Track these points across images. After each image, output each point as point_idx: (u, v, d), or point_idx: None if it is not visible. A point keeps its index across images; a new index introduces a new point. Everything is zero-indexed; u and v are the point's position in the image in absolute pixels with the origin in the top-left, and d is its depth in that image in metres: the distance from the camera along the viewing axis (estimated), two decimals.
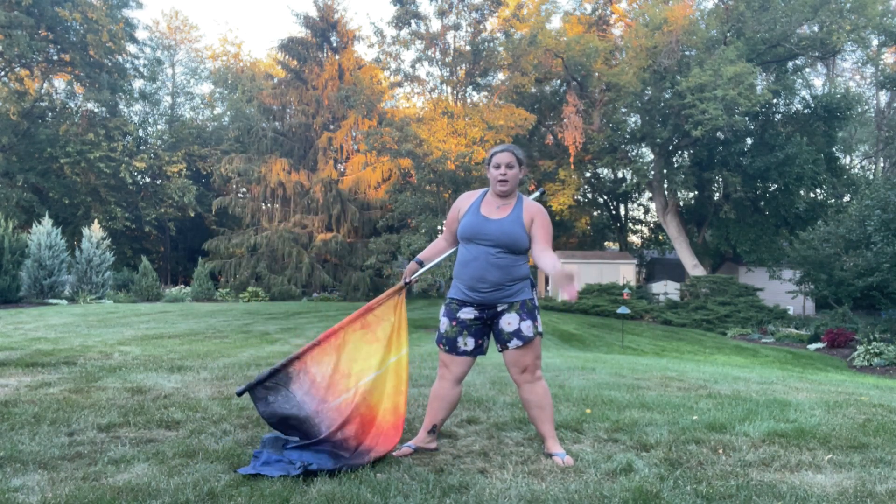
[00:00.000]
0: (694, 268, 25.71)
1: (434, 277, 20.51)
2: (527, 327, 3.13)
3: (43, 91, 29.86)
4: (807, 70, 28.31)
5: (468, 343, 3.21)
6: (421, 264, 3.38)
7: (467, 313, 3.20)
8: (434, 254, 3.42)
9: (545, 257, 3.08)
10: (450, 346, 3.23)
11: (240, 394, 3.16)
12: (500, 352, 3.26)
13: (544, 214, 3.23)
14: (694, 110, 21.39)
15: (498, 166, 3.21)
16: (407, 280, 3.35)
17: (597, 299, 23.69)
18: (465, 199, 3.36)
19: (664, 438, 3.48)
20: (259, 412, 3.13)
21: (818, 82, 31.86)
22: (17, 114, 27.86)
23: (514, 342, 3.14)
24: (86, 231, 20.93)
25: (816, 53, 25.06)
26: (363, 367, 3.24)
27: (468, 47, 24.64)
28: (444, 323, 3.26)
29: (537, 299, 3.28)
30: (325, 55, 30.92)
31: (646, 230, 38.29)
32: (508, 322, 3.13)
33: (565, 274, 2.83)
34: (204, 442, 3.24)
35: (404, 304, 3.38)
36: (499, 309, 3.16)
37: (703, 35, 23.88)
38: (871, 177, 29.09)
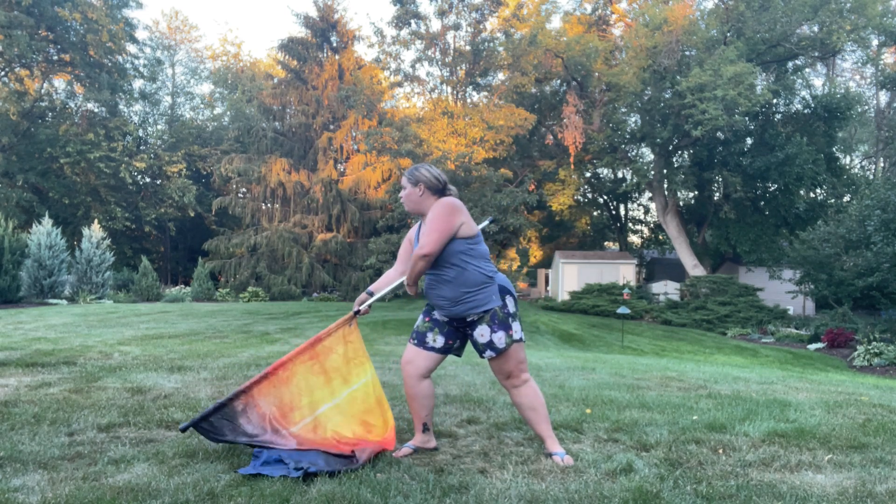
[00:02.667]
0: (694, 268, 25.71)
1: None
2: (499, 339, 3.12)
3: (43, 91, 29.87)
4: (807, 70, 28.30)
5: (437, 340, 3.23)
6: (371, 294, 3.37)
7: (441, 315, 3.25)
8: (384, 284, 3.41)
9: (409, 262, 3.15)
10: (419, 339, 3.26)
11: (183, 430, 3.06)
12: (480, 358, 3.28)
13: (435, 208, 3.13)
14: (694, 110, 21.39)
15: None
16: (356, 310, 3.33)
17: (597, 299, 23.70)
18: (413, 231, 3.44)
19: (664, 438, 3.48)
20: (211, 441, 3.06)
21: (818, 82, 31.89)
22: (17, 114, 27.87)
23: (488, 353, 3.15)
24: (86, 231, 20.93)
25: (816, 53, 25.05)
26: (315, 398, 3.22)
27: (468, 47, 24.67)
28: (419, 318, 3.34)
29: (513, 305, 3.20)
30: (325, 55, 30.93)
31: (646, 230, 38.31)
32: (481, 334, 3.14)
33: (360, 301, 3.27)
34: (204, 442, 3.24)
35: (357, 332, 3.36)
36: (468, 320, 3.16)
37: (703, 35, 23.89)
38: (871, 177, 29.11)
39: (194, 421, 3.03)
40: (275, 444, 3.04)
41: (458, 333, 3.26)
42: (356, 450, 3.04)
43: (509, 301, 3.20)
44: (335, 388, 3.26)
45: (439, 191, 3.24)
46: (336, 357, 3.29)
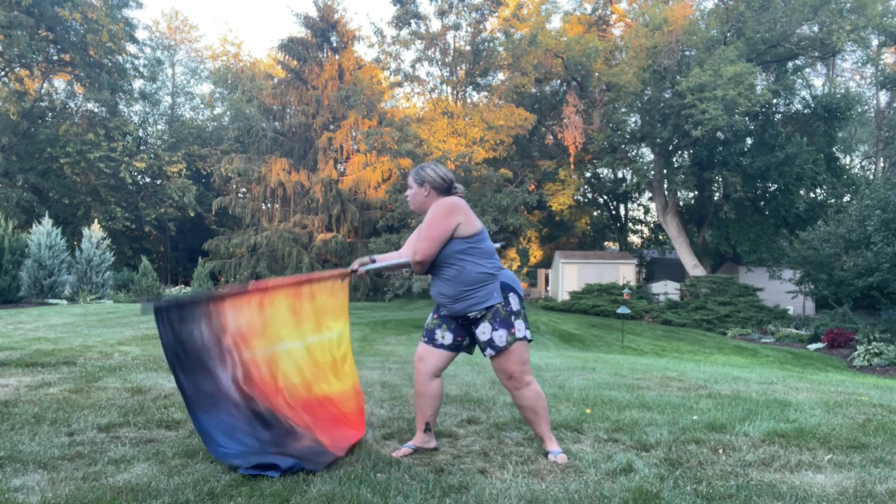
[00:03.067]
0: (694, 268, 25.71)
1: None
2: (499, 337, 3.11)
3: (43, 91, 29.87)
4: (807, 70, 28.30)
5: (446, 337, 3.23)
6: (373, 261, 3.37)
7: (448, 312, 3.27)
8: (390, 257, 3.41)
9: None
10: (428, 336, 3.27)
11: (145, 310, 2.95)
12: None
13: (431, 212, 3.13)
14: (694, 110, 21.39)
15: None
16: (353, 268, 3.33)
17: (597, 299, 23.70)
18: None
19: (664, 438, 3.48)
20: (160, 336, 2.88)
21: (818, 82, 31.88)
22: (17, 114, 27.87)
23: (488, 351, 3.15)
24: (86, 231, 20.91)
25: (816, 53, 25.06)
26: (280, 333, 3.17)
27: (468, 47, 24.66)
28: (429, 316, 3.35)
29: (518, 303, 3.18)
30: (325, 55, 30.93)
31: (646, 230, 38.30)
32: (483, 332, 3.14)
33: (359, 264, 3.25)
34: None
35: (345, 291, 3.36)
36: (471, 318, 3.16)
37: (703, 35, 23.89)
38: (871, 177, 29.10)
39: (159, 305, 2.89)
40: (219, 382, 2.97)
41: (465, 330, 3.26)
42: (307, 433, 3.04)
43: (513, 299, 3.16)
44: (302, 332, 3.22)
45: (445, 190, 3.24)
46: (314, 304, 3.26)
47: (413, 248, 3.19)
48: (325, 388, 3.28)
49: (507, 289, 3.17)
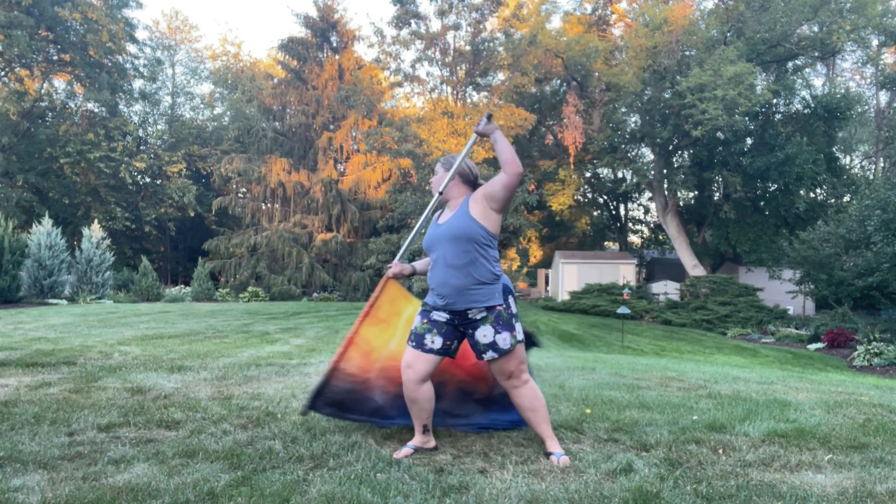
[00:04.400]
0: (694, 268, 25.71)
1: None
2: (502, 340, 3.12)
3: (43, 91, 29.87)
4: (807, 70, 28.31)
5: (435, 341, 3.21)
6: (413, 269, 3.58)
7: (440, 316, 3.22)
8: (425, 266, 3.53)
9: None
10: (417, 342, 3.24)
11: (303, 413, 3.63)
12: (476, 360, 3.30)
13: (489, 181, 3.26)
14: (694, 110, 21.39)
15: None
16: (390, 275, 3.54)
17: (597, 299, 23.70)
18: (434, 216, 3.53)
19: (664, 438, 3.48)
20: (324, 413, 3.58)
21: (818, 82, 31.88)
22: (17, 114, 27.87)
23: (490, 354, 3.14)
24: (86, 231, 20.92)
25: (816, 53, 25.06)
26: (382, 341, 3.58)
27: (468, 47, 24.65)
28: (416, 320, 3.32)
29: (514, 305, 3.25)
30: (325, 55, 30.94)
31: (646, 230, 38.31)
32: (484, 335, 3.13)
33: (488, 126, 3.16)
34: (204, 442, 3.25)
35: (393, 285, 3.62)
36: (470, 317, 3.15)
37: (703, 35, 23.89)
38: (871, 177, 29.08)
39: (311, 403, 3.49)
40: (364, 396, 3.54)
41: (456, 333, 3.25)
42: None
43: (511, 301, 3.22)
44: (394, 327, 3.60)
45: (470, 182, 3.33)
46: (384, 308, 3.62)
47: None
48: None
49: (506, 291, 3.21)
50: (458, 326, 3.22)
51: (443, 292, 3.18)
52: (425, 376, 3.23)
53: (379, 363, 3.56)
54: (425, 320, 3.26)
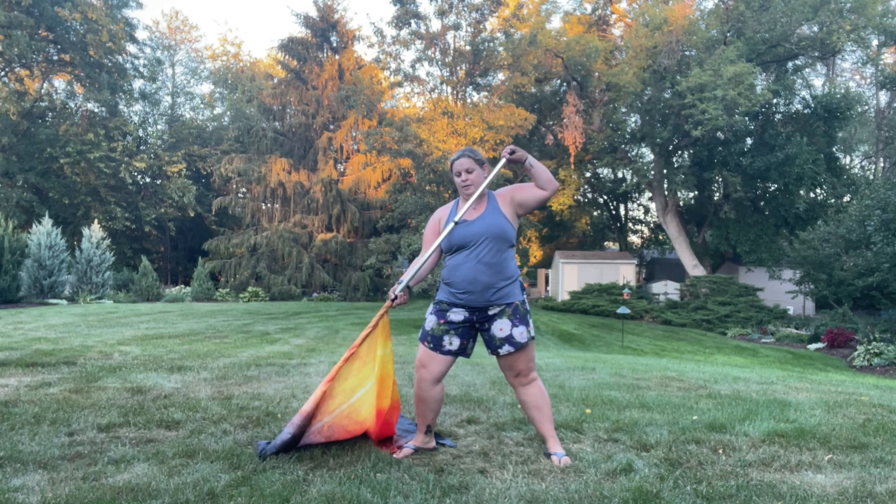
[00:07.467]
0: (694, 268, 25.71)
1: (434, 277, 20.55)
2: (519, 333, 3.13)
3: (43, 91, 29.87)
4: (807, 70, 28.32)
5: (454, 342, 3.20)
6: (400, 283, 3.26)
7: (457, 314, 3.19)
8: (423, 274, 3.32)
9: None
10: (434, 343, 3.21)
11: (262, 458, 3.06)
12: (490, 355, 3.27)
13: (518, 186, 3.29)
14: (694, 110, 21.39)
15: (459, 174, 3.24)
16: (393, 302, 3.23)
17: (597, 299, 23.70)
18: (443, 212, 3.37)
19: (664, 438, 3.48)
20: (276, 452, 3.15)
21: (818, 82, 31.91)
22: (17, 114, 27.86)
23: (506, 348, 3.14)
24: (86, 231, 20.92)
25: (816, 53, 25.06)
26: (351, 385, 3.24)
27: (468, 47, 24.62)
28: (430, 321, 3.24)
29: (528, 302, 3.29)
30: (325, 55, 30.93)
31: (646, 230, 38.30)
32: (500, 328, 3.13)
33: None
34: (204, 442, 3.25)
35: (386, 318, 3.30)
36: (489, 313, 3.15)
37: (703, 35, 23.88)
38: (871, 177, 29.09)
39: (274, 450, 3.07)
40: (310, 439, 3.16)
41: (472, 332, 3.25)
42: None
43: (525, 296, 3.29)
44: (365, 376, 3.25)
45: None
46: (368, 343, 3.28)
47: (436, 237, 3.24)
48: (384, 405, 3.26)
49: (521, 287, 3.27)
50: (475, 324, 3.20)
51: (470, 289, 3.13)
52: (440, 377, 3.24)
53: (331, 417, 3.20)
54: (442, 321, 3.20)
